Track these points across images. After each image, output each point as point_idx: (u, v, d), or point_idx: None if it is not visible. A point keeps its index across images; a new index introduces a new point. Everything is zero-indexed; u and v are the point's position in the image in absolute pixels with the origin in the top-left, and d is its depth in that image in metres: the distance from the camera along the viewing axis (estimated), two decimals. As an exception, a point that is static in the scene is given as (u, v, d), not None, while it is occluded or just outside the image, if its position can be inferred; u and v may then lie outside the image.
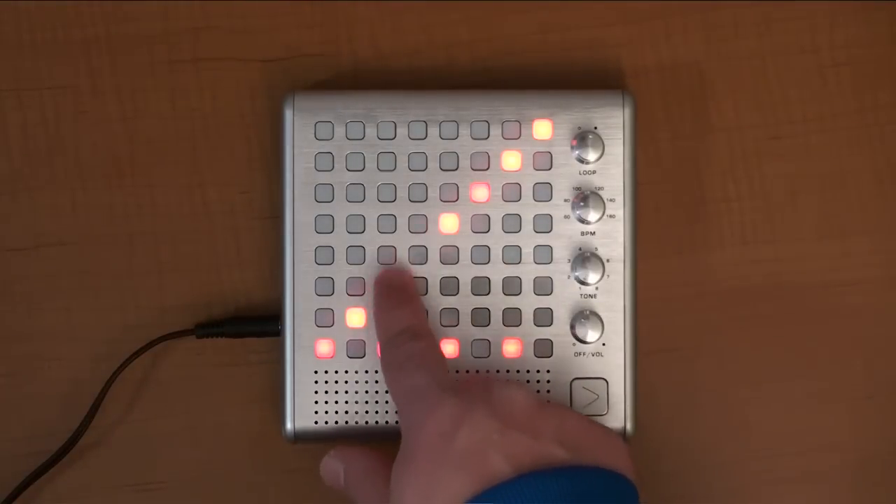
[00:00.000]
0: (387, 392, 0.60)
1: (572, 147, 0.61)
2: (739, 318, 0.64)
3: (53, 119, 0.64)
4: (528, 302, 0.61)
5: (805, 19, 0.64)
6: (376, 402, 0.60)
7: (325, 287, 0.61)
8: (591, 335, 0.60)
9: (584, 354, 0.61)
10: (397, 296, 0.60)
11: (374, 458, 0.57)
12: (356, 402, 0.61)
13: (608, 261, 0.61)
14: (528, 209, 0.61)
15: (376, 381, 0.60)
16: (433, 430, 0.51)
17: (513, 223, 0.61)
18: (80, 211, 0.63)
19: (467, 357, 0.61)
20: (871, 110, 0.64)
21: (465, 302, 0.60)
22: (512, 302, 0.61)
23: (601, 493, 0.50)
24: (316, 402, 0.61)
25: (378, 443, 0.62)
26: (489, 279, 0.61)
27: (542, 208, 0.61)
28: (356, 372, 0.61)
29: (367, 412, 0.60)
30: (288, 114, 0.61)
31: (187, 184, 0.64)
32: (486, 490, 0.49)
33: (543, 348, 0.61)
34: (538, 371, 0.60)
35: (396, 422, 0.60)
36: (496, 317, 0.61)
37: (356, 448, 0.58)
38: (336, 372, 0.61)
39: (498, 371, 0.61)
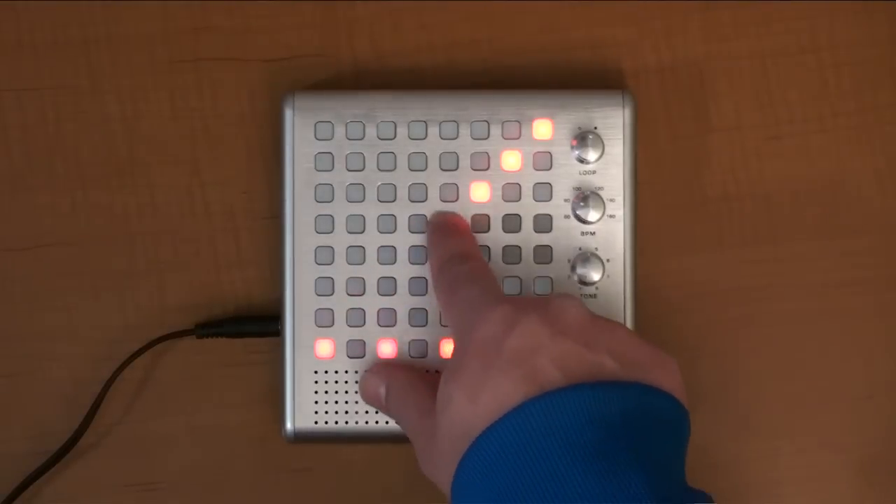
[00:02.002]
0: (387, 392, 0.60)
1: (572, 147, 0.61)
2: (739, 318, 0.64)
3: (53, 119, 0.64)
4: (528, 302, 0.61)
5: (805, 19, 0.64)
6: (376, 402, 0.61)
7: (325, 287, 0.61)
8: (591, 335, 0.60)
9: (584, 354, 0.61)
10: (448, 228, 0.60)
11: (415, 374, 0.58)
12: (356, 402, 0.61)
13: (608, 261, 0.61)
14: (528, 209, 0.61)
15: (376, 381, 0.61)
16: (484, 334, 0.51)
17: (513, 223, 0.61)
18: (80, 211, 0.64)
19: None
20: (871, 110, 0.64)
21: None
22: (512, 302, 0.61)
23: (652, 409, 0.50)
24: (316, 402, 0.61)
25: (378, 444, 0.62)
26: (489, 279, 0.61)
27: (542, 208, 0.61)
28: (356, 372, 0.61)
29: (367, 412, 0.60)
30: (288, 114, 0.61)
31: (187, 184, 0.64)
32: (536, 396, 0.48)
33: (543, 348, 0.61)
34: (538, 371, 0.60)
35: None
36: (496, 317, 0.61)
37: (397, 364, 0.59)
38: (336, 372, 0.61)
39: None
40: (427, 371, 0.60)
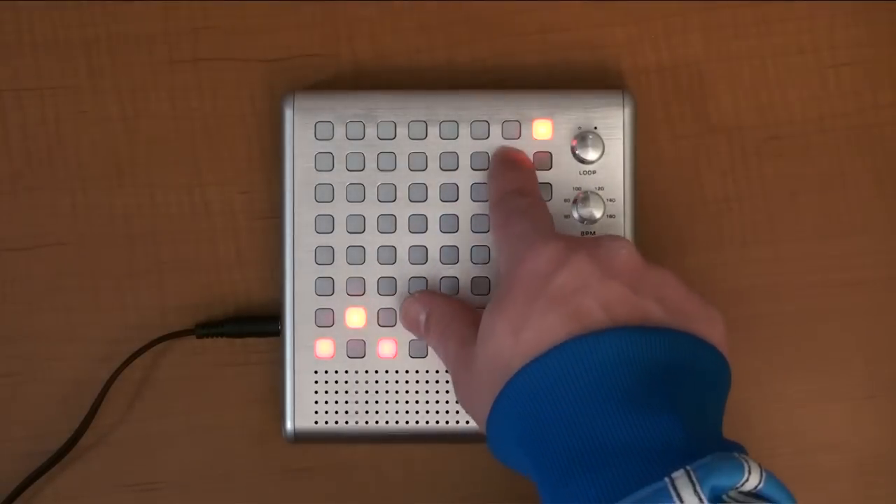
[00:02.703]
0: (387, 392, 0.60)
1: (572, 147, 0.61)
2: (739, 318, 0.64)
3: (53, 119, 0.64)
4: (528, 302, 0.61)
5: (805, 19, 0.64)
6: (376, 402, 0.60)
7: (325, 287, 0.61)
8: (591, 335, 0.60)
9: (584, 354, 0.61)
10: (512, 162, 0.60)
11: (457, 303, 0.58)
12: (356, 402, 0.61)
13: (608, 261, 0.61)
14: (528, 209, 0.61)
15: (376, 382, 0.61)
16: (532, 268, 0.51)
17: (513, 223, 0.61)
18: (80, 211, 0.63)
19: (467, 357, 0.61)
20: (871, 110, 0.64)
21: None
22: (512, 302, 0.61)
23: (694, 359, 0.50)
24: (316, 402, 0.61)
25: (378, 444, 0.62)
26: (489, 279, 0.61)
27: (542, 208, 0.61)
28: (356, 372, 0.61)
29: (367, 412, 0.60)
30: (288, 114, 0.61)
31: (187, 184, 0.64)
32: (579, 335, 0.48)
33: (543, 348, 0.61)
34: (538, 371, 0.60)
35: (397, 422, 0.60)
36: (496, 317, 0.61)
37: (438, 293, 0.60)
38: (336, 372, 0.61)
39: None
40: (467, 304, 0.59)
